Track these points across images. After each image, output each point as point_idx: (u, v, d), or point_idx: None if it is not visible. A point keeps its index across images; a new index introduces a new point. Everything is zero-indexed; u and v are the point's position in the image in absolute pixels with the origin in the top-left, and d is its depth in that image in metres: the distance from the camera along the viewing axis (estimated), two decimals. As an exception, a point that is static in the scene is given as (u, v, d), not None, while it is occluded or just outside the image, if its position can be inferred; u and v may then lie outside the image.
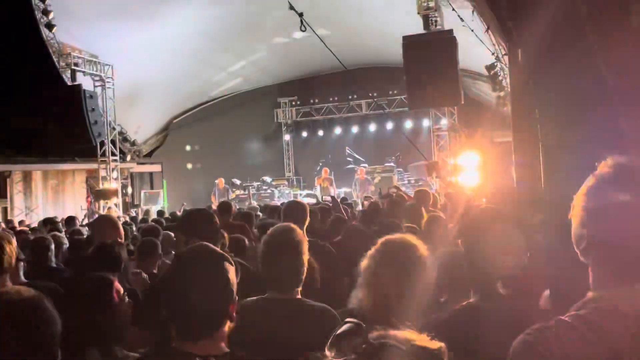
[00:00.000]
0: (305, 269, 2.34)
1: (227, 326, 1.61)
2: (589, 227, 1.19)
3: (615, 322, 1.12)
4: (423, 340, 0.78)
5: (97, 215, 12.64)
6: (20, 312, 1.22)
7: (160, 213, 10.77)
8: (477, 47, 11.64)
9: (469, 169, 14.94)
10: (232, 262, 1.66)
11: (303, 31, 5.89)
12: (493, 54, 11.56)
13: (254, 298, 2.37)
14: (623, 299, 1.14)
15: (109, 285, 2.13)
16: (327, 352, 0.79)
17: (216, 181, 16.69)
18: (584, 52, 1.90)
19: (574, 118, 1.96)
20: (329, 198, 12.26)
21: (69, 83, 12.85)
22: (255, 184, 18.43)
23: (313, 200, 12.99)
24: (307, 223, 3.99)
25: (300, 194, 16.42)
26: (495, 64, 12.44)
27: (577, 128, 1.96)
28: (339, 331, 0.79)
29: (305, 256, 2.34)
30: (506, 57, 9.97)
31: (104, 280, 2.16)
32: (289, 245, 2.31)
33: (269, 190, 17.81)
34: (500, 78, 12.74)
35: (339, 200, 7.91)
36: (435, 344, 0.78)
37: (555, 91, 2.03)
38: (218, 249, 1.72)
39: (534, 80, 2.34)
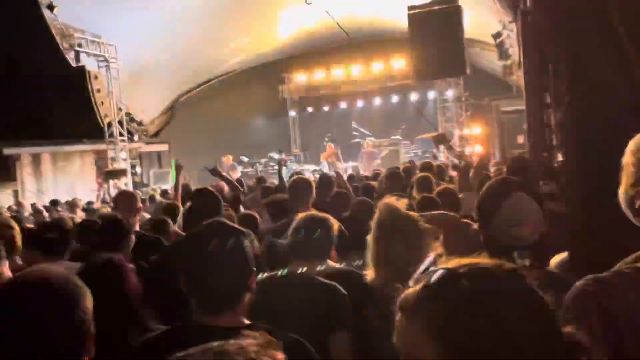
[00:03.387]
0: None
1: (248, 298, 1.63)
2: None
3: None
4: (493, 264, 0.80)
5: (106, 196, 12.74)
6: (56, 290, 1.25)
7: (164, 193, 10.76)
8: (483, 15, 11.48)
9: (476, 140, 14.89)
10: (248, 236, 1.68)
11: (309, 4, 5.83)
12: (500, 21, 11.39)
13: (271, 273, 2.46)
14: None
15: (120, 266, 2.15)
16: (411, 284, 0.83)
17: (223, 159, 16.72)
18: (599, 14, 1.86)
19: (589, 80, 1.93)
20: (333, 174, 12.30)
21: (73, 64, 12.81)
22: (263, 160, 18.45)
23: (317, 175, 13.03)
24: (312, 198, 4.04)
25: (308, 169, 16.43)
26: (502, 32, 12.27)
27: (593, 90, 1.93)
28: (423, 265, 0.85)
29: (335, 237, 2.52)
30: (512, 25, 9.82)
31: (114, 262, 2.16)
32: (325, 223, 2.49)
33: (276, 167, 17.81)
34: (506, 46, 12.57)
35: (346, 176, 7.90)
36: (507, 267, 0.80)
37: (569, 55, 2.00)
38: (233, 224, 1.73)
39: (546, 45, 2.31)
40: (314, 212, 2.73)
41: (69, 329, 1.22)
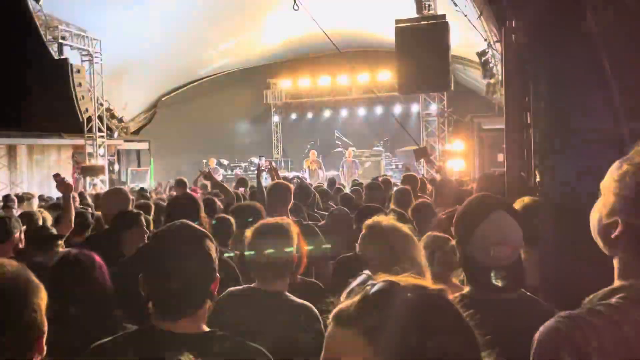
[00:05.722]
0: (295, 260, 2.34)
1: (208, 305, 1.57)
2: (625, 213, 1.14)
3: None
4: (425, 281, 0.85)
5: (81, 191, 12.51)
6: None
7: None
8: (469, 33, 11.61)
9: (457, 155, 15.01)
10: (213, 240, 1.62)
11: (296, 10, 5.83)
12: (485, 40, 11.53)
13: (240, 287, 2.37)
14: None
15: (92, 261, 2.09)
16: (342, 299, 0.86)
17: (204, 161, 16.63)
18: (581, 34, 1.87)
19: (568, 101, 1.93)
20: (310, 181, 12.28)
21: (56, 57, 12.61)
22: (243, 164, 18.36)
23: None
24: (290, 204, 4.00)
25: (288, 176, 16.37)
26: (487, 50, 12.41)
27: (572, 111, 1.93)
28: (355, 282, 0.87)
29: (294, 248, 2.33)
30: (497, 44, 9.96)
31: (86, 257, 2.10)
32: (279, 235, 2.30)
33: (256, 172, 17.73)
34: (491, 65, 12.71)
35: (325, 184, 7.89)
36: (436, 286, 0.85)
37: (550, 74, 2.00)
38: (199, 227, 1.67)
39: (528, 62, 2.31)
40: (278, 218, 2.56)
41: (16, 327, 1.17)
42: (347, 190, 8.49)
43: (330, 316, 0.84)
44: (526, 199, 2.53)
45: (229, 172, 17.51)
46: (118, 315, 1.94)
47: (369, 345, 0.77)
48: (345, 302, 0.84)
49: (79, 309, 1.77)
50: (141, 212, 3.62)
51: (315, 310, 2.21)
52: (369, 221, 2.37)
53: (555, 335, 1.10)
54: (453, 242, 2.78)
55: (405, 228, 2.29)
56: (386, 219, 2.35)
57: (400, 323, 0.78)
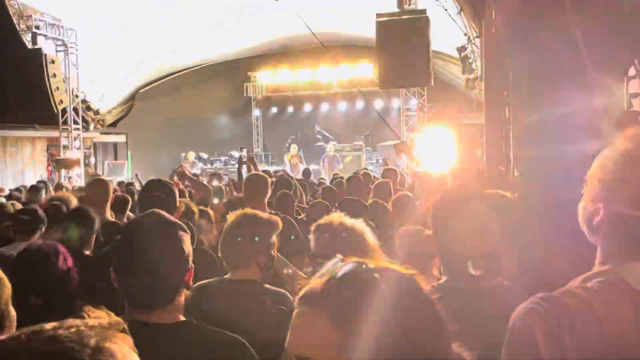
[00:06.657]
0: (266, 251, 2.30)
1: (183, 295, 1.55)
2: (607, 199, 1.14)
3: (625, 297, 1.09)
4: (396, 265, 0.84)
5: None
6: None
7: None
8: (449, 29, 11.65)
9: (436, 150, 15.09)
10: (187, 230, 1.59)
11: (276, 0, 5.77)
12: (465, 35, 11.59)
13: (212, 279, 2.34)
14: (633, 274, 1.11)
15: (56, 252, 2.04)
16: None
17: (183, 154, 16.47)
18: (561, 27, 1.86)
19: (547, 94, 1.93)
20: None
21: (29, 47, 12.31)
22: (223, 158, 18.21)
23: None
24: (268, 196, 3.95)
25: (269, 171, 16.30)
26: (467, 46, 12.48)
27: (549, 102, 1.93)
28: (328, 264, 0.86)
29: (264, 239, 2.29)
30: (477, 40, 10.01)
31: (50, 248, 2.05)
32: (249, 224, 2.27)
33: (236, 165, 17.61)
34: (470, 60, 12.78)
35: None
36: (409, 271, 0.83)
37: (528, 64, 1.99)
38: (171, 217, 1.63)
39: (507, 53, 2.30)
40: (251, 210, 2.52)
41: None
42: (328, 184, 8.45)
43: (297, 296, 0.83)
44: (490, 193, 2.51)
45: (208, 165, 17.37)
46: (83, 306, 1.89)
47: (334, 326, 0.76)
48: (313, 282, 0.82)
49: (40, 299, 1.73)
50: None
51: (292, 297, 2.19)
52: (320, 221, 2.36)
53: (529, 315, 1.10)
54: (429, 233, 2.78)
55: (358, 224, 2.28)
56: (337, 216, 2.34)
57: (367, 305, 0.76)
